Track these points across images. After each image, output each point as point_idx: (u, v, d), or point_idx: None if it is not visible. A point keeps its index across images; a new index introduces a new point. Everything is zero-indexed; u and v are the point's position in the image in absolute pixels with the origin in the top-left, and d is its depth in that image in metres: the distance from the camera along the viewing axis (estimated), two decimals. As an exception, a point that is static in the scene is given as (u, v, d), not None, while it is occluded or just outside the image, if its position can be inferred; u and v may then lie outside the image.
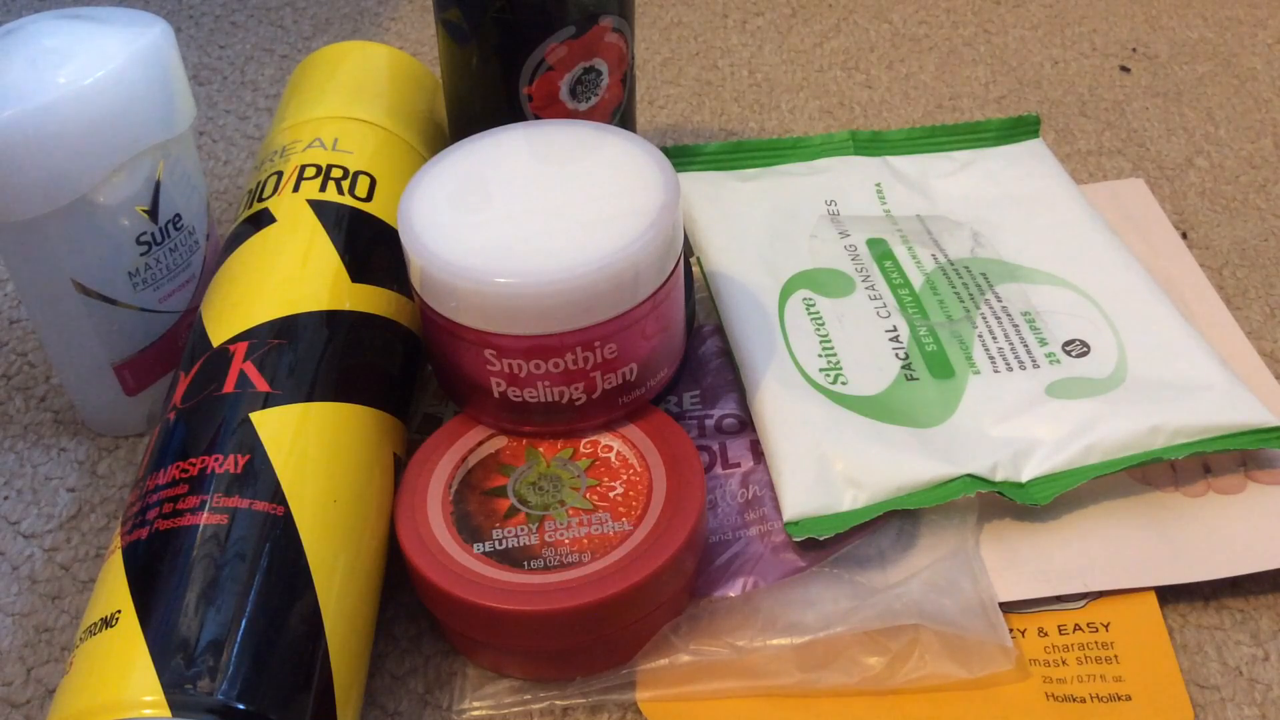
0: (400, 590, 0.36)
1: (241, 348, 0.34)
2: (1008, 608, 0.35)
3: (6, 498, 0.40)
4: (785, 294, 0.42)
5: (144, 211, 0.38)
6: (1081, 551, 0.36)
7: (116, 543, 0.31)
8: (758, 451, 0.38)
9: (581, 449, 0.35)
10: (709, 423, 0.40)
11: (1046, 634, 0.34)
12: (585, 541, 0.33)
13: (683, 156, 0.48)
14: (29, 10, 0.67)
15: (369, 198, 0.39)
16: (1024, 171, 0.48)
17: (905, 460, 0.36)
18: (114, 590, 0.29)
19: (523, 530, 0.33)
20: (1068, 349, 0.40)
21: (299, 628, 0.29)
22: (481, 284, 0.32)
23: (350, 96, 0.43)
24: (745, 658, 0.33)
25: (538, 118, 0.41)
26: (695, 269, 0.45)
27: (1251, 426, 0.37)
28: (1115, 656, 0.33)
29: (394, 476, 0.35)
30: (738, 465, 0.38)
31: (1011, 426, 0.37)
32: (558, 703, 0.33)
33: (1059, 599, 0.35)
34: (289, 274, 0.36)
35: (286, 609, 0.29)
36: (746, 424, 0.39)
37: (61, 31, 0.36)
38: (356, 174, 0.40)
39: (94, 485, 0.41)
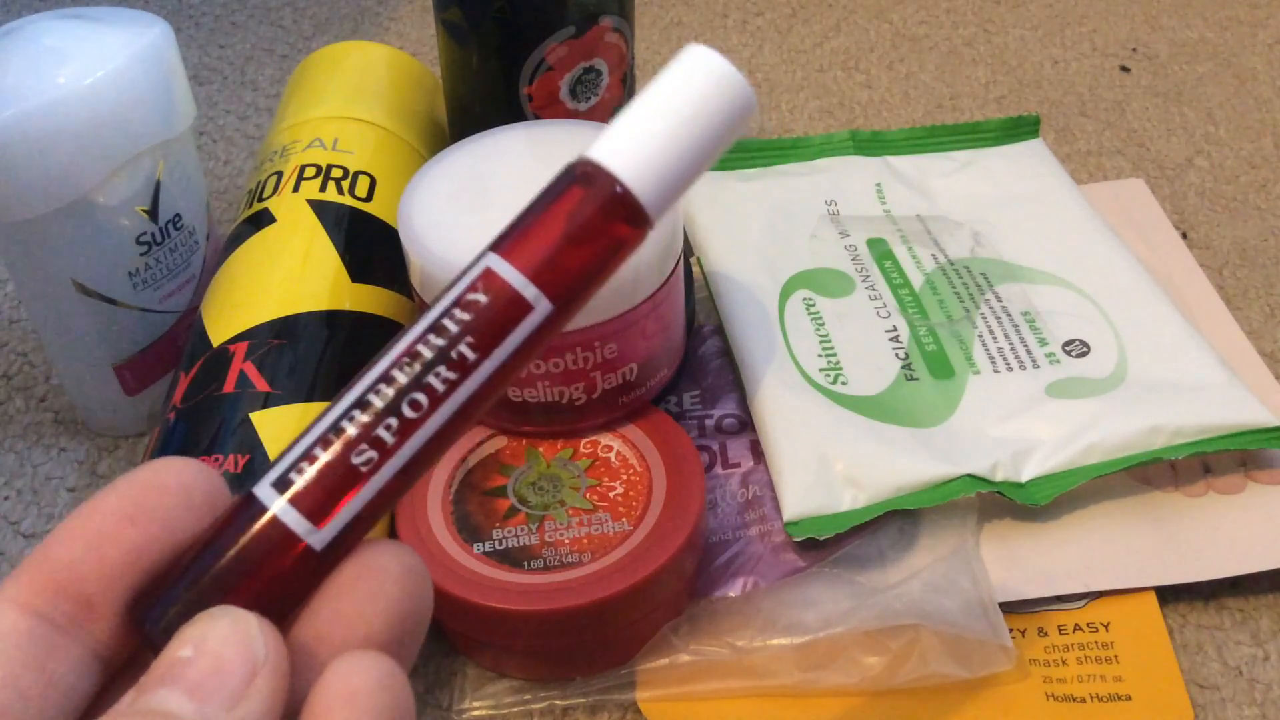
0: (400, 590, 0.36)
1: (241, 348, 0.34)
2: (1008, 608, 0.35)
3: (6, 498, 0.40)
4: (785, 294, 0.42)
5: (144, 211, 0.38)
6: (1081, 551, 0.36)
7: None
8: (758, 451, 0.38)
9: (581, 449, 0.35)
10: (709, 423, 0.39)
11: (1046, 634, 0.34)
12: (585, 541, 0.33)
13: (683, 156, 0.48)
14: (29, 10, 0.67)
15: (369, 198, 0.39)
16: (1024, 171, 0.48)
17: (905, 460, 0.36)
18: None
19: (523, 530, 0.33)
20: (1068, 349, 0.40)
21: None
22: (481, 284, 0.32)
23: (350, 96, 0.43)
24: (745, 658, 0.33)
25: (538, 118, 0.41)
26: (695, 269, 0.45)
27: (1251, 426, 0.37)
28: (1115, 656, 0.33)
29: (394, 476, 0.35)
30: (738, 465, 0.38)
31: (1011, 426, 0.37)
32: (558, 703, 0.33)
33: (1059, 599, 0.35)
34: (289, 274, 0.36)
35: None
36: (746, 424, 0.39)
37: (61, 31, 0.36)
38: (356, 174, 0.40)
39: (94, 485, 0.41)
